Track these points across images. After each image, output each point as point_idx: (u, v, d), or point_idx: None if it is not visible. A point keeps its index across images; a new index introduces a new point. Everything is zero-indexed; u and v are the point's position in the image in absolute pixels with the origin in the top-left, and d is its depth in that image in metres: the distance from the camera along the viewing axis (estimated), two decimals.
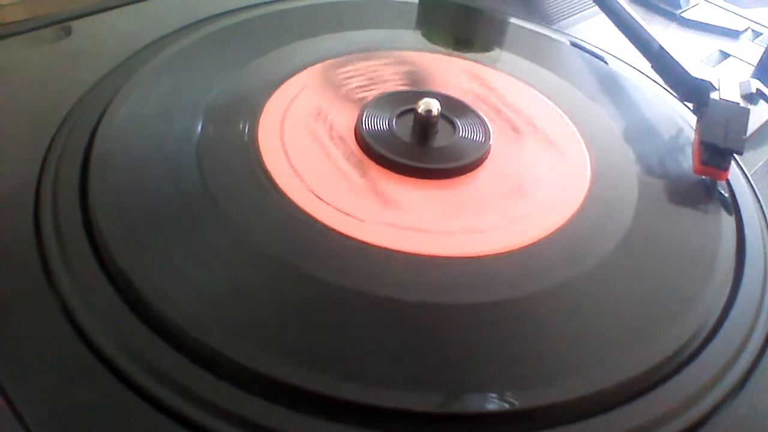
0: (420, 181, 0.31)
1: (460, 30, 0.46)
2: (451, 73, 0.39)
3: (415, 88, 0.36)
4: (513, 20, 0.46)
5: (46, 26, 0.38)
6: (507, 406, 0.22)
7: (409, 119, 0.33)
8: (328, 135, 0.33)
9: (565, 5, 0.52)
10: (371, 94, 0.35)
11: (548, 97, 0.38)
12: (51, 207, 0.27)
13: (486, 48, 0.44)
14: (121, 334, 0.23)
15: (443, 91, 0.36)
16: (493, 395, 0.23)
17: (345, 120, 0.34)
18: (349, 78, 0.37)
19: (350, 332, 0.24)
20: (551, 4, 0.51)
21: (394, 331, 0.25)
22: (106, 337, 0.23)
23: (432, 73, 0.38)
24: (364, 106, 0.34)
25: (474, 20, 0.47)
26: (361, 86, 0.36)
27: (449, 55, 0.41)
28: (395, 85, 0.37)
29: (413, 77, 0.38)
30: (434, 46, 0.42)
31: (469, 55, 0.41)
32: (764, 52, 0.45)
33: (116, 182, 0.28)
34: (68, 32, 0.38)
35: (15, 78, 0.34)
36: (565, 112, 0.37)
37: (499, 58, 0.42)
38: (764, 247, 0.31)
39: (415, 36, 0.43)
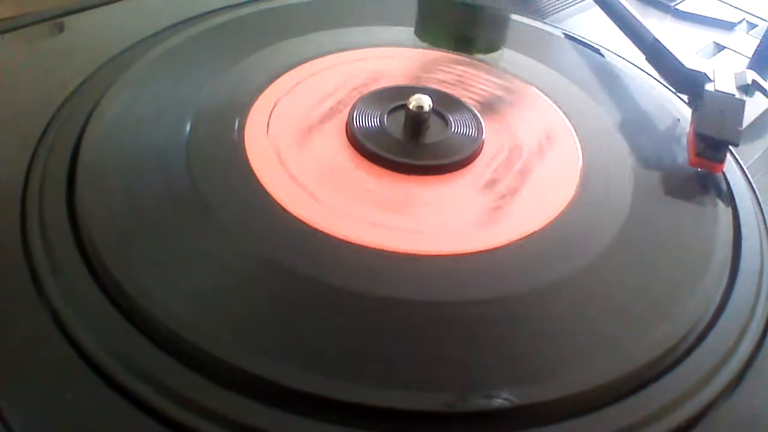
0: (411, 177, 0.31)
1: (457, 26, 0.45)
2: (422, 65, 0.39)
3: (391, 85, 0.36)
4: (506, 14, 0.46)
5: (37, 23, 0.38)
6: (503, 403, 0.22)
7: (401, 115, 0.33)
8: (318, 132, 0.32)
9: None
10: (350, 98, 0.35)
11: (542, 90, 0.38)
12: (38, 208, 0.27)
13: (480, 43, 0.43)
14: (109, 336, 0.23)
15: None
16: (490, 393, 0.22)
17: (334, 118, 0.33)
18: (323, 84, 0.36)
19: (341, 332, 0.24)
20: None
21: (386, 330, 0.24)
22: (93, 340, 0.22)
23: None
24: (355, 103, 0.33)
25: (469, 15, 0.47)
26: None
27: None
28: (371, 86, 0.36)
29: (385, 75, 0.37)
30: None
31: (465, 51, 0.41)
32: (759, 44, 0.44)
33: (104, 183, 0.28)
34: (61, 29, 0.38)
35: (2, 76, 0.34)
36: (558, 105, 0.37)
37: (493, 53, 0.42)
38: (761, 240, 0.31)
39: (400, 31, 0.43)
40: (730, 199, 0.32)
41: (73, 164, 0.29)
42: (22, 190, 0.27)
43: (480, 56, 0.41)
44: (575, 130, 0.35)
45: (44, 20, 0.38)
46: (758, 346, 0.26)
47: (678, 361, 0.25)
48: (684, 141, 0.35)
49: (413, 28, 0.43)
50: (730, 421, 0.24)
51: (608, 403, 0.23)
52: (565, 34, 0.45)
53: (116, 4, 0.41)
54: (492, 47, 0.43)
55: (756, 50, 0.45)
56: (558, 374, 0.23)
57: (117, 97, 0.32)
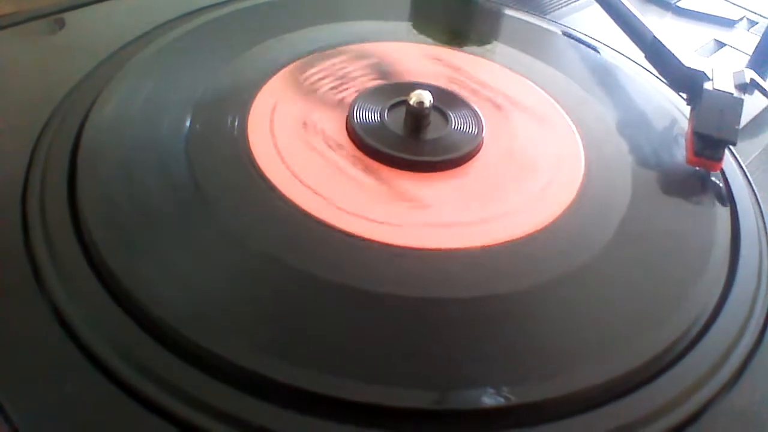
0: (412, 173, 0.31)
1: (452, 21, 0.45)
2: (414, 59, 0.39)
3: (387, 81, 0.36)
4: (505, 11, 0.46)
5: (37, 19, 0.38)
6: (502, 401, 0.22)
7: (401, 111, 0.33)
8: (319, 128, 0.32)
9: None
10: (348, 94, 0.35)
11: (541, 88, 0.38)
12: (39, 203, 0.27)
13: (478, 39, 0.43)
14: (110, 331, 0.23)
15: (414, 79, 0.36)
16: (488, 391, 0.23)
17: (335, 114, 0.33)
18: (319, 80, 0.36)
19: (343, 329, 0.24)
20: None
21: (383, 326, 0.24)
22: (94, 335, 0.23)
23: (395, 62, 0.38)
24: (355, 99, 0.33)
25: (466, 11, 0.47)
26: (333, 87, 0.36)
27: (408, 42, 0.40)
28: (368, 80, 0.36)
29: (380, 69, 0.37)
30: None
31: (463, 47, 0.41)
32: (759, 42, 0.44)
33: (105, 178, 0.28)
34: (62, 25, 0.38)
35: (2, 72, 0.34)
36: (558, 103, 0.37)
37: (492, 49, 0.42)
38: (759, 238, 0.31)
39: (402, 26, 0.43)
40: (729, 197, 0.32)
41: (73, 160, 0.29)
42: (23, 186, 0.27)
43: (475, 49, 0.41)
44: (575, 128, 0.35)
45: (44, 16, 0.38)
46: (758, 343, 0.26)
47: (678, 359, 0.25)
48: (682, 139, 0.35)
49: (413, 23, 0.43)
50: (730, 417, 0.24)
51: (608, 401, 0.23)
52: (564, 32, 0.45)
53: (117, 0, 0.41)
54: (485, 40, 0.43)
55: (756, 48, 0.44)
56: (557, 372, 0.23)
57: (117, 92, 0.32)
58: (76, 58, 0.35)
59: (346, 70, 0.37)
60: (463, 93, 0.36)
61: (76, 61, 0.35)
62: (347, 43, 0.39)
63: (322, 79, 0.36)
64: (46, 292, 0.24)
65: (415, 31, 0.42)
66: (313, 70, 0.36)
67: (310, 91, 0.35)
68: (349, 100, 0.34)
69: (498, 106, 0.36)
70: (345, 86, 0.35)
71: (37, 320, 0.23)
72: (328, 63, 0.37)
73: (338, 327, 0.24)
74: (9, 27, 0.37)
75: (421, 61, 0.38)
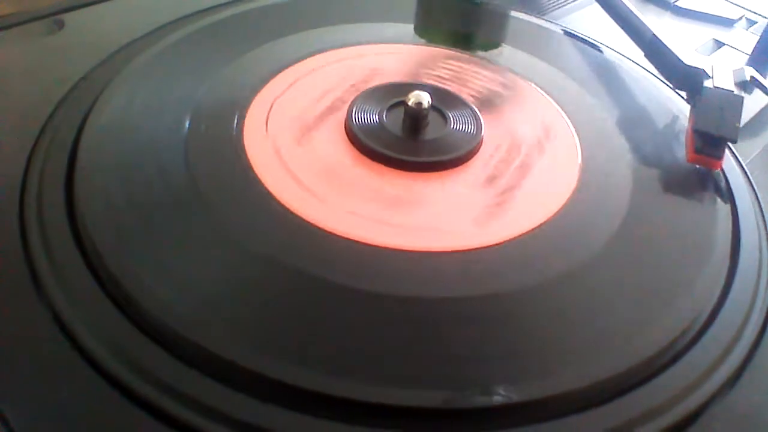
0: (410, 174, 0.31)
1: (454, 24, 0.45)
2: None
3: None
4: (503, 10, 0.46)
5: (36, 20, 0.38)
6: (501, 400, 0.22)
7: (400, 112, 0.33)
8: (317, 129, 0.32)
9: None
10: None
11: (540, 87, 0.38)
12: (36, 206, 0.27)
13: (480, 40, 0.43)
14: (109, 334, 0.23)
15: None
16: (487, 390, 0.22)
17: (333, 115, 0.33)
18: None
19: (343, 330, 0.24)
20: None
21: (383, 327, 0.24)
22: (93, 338, 0.22)
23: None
24: (354, 100, 0.33)
25: (467, 13, 0.47)
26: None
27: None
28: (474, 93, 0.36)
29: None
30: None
31: (465, 48, 0.41)
32: (758, 41, 0.44)
33: (102, 180, 0.28)
34: (61, 26, 0.38)
35: (1, 73, 0.34)
36: (557, 102, 0.37)
37: (494, 50, 0.42)
38: (759, 236, 0.31)
39: (400, 28, 0.43)
40: (729, 196, 0.32)
41: (71, 162, 0.29)
42: (20, 188, 0.27)
43: (480, 53, 0.41)
44: (574, 127, 0.35)
45: (43, 17, 0.38)
46: (757, 342, 0.26)
47: (677, 358, 0.25)
48: (683, 137, 0.35)
49: (412, 25, 0.43)
50: (730, 416, 0.24)
51: (607, 399, 0.23)
52: (564, 31, 0.45)
53: (116, 1, 0.41)
54: (491, 44, 0.43)
55: (755, 47, 0.44)
56: (557, 371, 0.23)
57: (115, 95, 0.32)
58: (75, 59, 0.35)
59: (351, 72, 0.37)
60: (464, 92, 0.36)
61: (74, 62, 0.35)
62: (344, 45, 0.39)
63: (326, 79, 0.36)
64: (45, 295, 0.24)
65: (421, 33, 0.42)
66: (317, 72, 0.36)
67: (309, 93, 0.35)
68: (350, 100, 0.34)
69: (497, 106, 0.36)
70: (348, 88, 0.35)
71: (36, 323, 0.23)
72: (334, 65, 0.37)
73: (337, 327, 0.24)
74: (8, 28, 0.37)
75: (426, 64, 0.38)
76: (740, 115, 0.32)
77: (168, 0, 0.41)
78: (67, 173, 0.28)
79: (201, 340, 0.22)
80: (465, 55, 0.40)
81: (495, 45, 0.42)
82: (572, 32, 0.45)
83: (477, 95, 0.36)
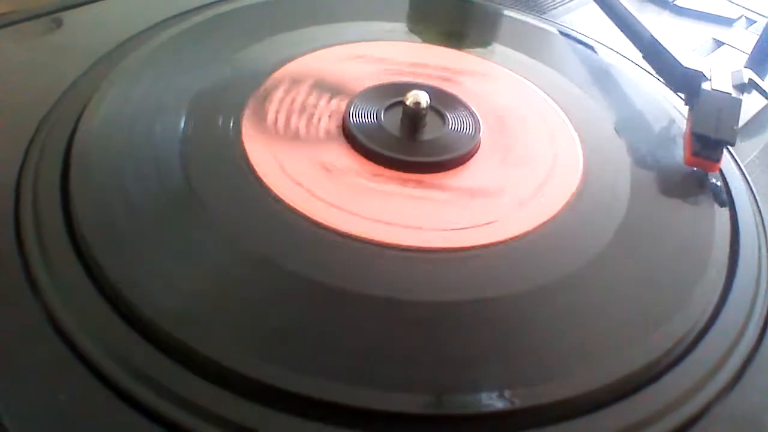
0: (408, 174, 0.31)
1: (450, 21, 0.45)
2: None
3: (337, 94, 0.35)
4: (502, 11, 0.46)
5: (34, 18, 0.38)
6: (502, 405, 0.22)
7: (398, 112, 0.33)
8: (314, 127, 0.32)
9: None
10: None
11: (539, 88, 0.38)
12: (31, 205, 0.27)
13: (476, 39, 0.43)
14: (104, 336, 0.23)
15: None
16: (488, 395, 0.22)
17: (331, 114, 0.33)
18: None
19: (340, 333, 0.24)
20: None
21: (381, 329, 0.24)
22: (89, 340, 0.22)
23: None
24: (352, 100, 0.33)
25: (462, 11, 0.46)
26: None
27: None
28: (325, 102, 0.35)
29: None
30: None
31: (457, 45, 0.41)
32: (758, 40, 0.44)
33: (98, 180, 0.28)
34: (59, 24, 0.38)
35: None
36: (555, 103, 0.37)
37: (491, 49, 0.41)
38: (758, 239, 0.31)
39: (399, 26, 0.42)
40: (727, 198, 0.32)
41: (66, 161, 0.28)
42: (15, 188, 0.27)
43: (473, 50, 0.41)
44: (573, 128, 0.35)
45: (41, 15, 0.38)
46: (757, 344, 0.26)
47: (677, 361, 0.25)
48: (681, 140, 0.35)
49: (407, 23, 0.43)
50: (731, 418, 0.24)
51: (607, 403, 0.23)
52: (561, 31, 0.45)
53: None
54: (483, 42, 0.42)
55: (755, 47, 0.44)
56: (557, 375, 0.23)
57: (109, 94, 0.32)
58: (73, 57, 0.35)
59: (350, 70, 0.36)
60: (460, 92, 0.36)
61: (72, 61, 0.34)
62: (345, 42, 0.39)
63: (324, 77, 0.35)
64: (40, 297, 0.24)
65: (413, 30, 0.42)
66: (315, 70, 0.36)
67: (307, 92, 0.35)
68: (348, 99, 0.34)
69: (495, 106, 0.36)
70: (347, 86, 0.35)
71: (31, 325, 0.23)
72: (332, 62, 0.37)
73: (334, 330, 0.24)
74: (6, 26, 0.37)
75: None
76: (738, 118, 0.32)
77: None
78: (62, 173, 0.28)
79: (197, 342, 0.22)
80: (465, 55, 0.40)
81: (487, 43, 0.42)
82: (570, 32, 0.45)
83: (472, 95, 0.36)
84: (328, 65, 0.37)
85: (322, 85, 0.35)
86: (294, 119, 0.33)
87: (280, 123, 0.32)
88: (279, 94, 0.34)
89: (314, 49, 0.38)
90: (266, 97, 0.34)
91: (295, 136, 0.32)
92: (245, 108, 0.33)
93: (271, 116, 0.33)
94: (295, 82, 0.35)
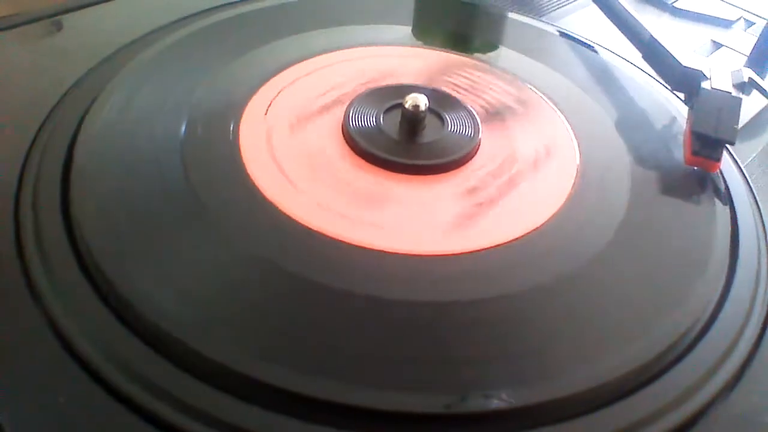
0: (408, 177, 0.31)
1: (452, 26, 0.45)
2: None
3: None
4: (501, 13, 0.46)
5: (34, 21, 0.38)
6: (500, 405, 0.22)
7: (397, 115, 0.33)
8: (314, 133, 0.32)
9: None
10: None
11: (538, 89, 0.38)
12: (31, 209, 0.27)
13: (477, 42, 0.43)
14: (103, 339, 0.23)
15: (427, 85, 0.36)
16: (487, 395, 0.22)
17: (329, 118, 0.33)
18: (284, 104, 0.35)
19: (338, 334, 0.24)
20: None
21: (381, 331, 0.24)
22: (88, 343, 0.22)
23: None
24: (350, 103, 0.33)
25: (465, 15, 0.46)
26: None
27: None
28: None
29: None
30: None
31: (462, 50, 0.41)
32: (757, 42, 0.44)
33: (99, 185, 0.28)
34: (59, 27, 0.38)
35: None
36: (554, 104, 0.37)
37: (492, 52, 0.41)
38: (758, 239, 0.31)
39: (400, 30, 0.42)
40: (727, 198, 0.32)
41: (67, 165, 0.28)
42: (15, 191, 0.27)
43: (473, 53, 0.41)
44: (572, 129, 0.35)
45: (42, 19, 0.38)
46: (757, 344, 0.26)
47: (676, 361, 0.25)
48: (681, 139, 0.35)
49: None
50: (730, 418, 0.24)
51: (607, 403, 0.23)
52: (561, 32, 0.45)
53: (115, 2, 0.41)
54: (489, 46, 0.43)
55: (753, 48, 0.44)
56: (554, 376, 0.23)
57: (111, 97, 0.32)
58: (73, 60, 0.35)
59: (346, 75, 0.36)
60: (458, 95, 0.36)
61: (73, 64, 0.35)
62: (343, 47, 0.39)
63: (322, 82, 0.35)
64: (40, 301, 0.24)
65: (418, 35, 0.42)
66: (312, 75, 0.36)
67: (305, 97, 0.35)
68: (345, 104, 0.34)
69: (494, 108, 0.36)
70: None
71: (31, 329, 0.23)
72: (331, 67, 0.37)
73: (335, 332, 0.24)
74: (7, 29, 0.37)
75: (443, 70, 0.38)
76: (738, 117, 0.32)
77: (167, 1, 0.41)
78: (62, 177, 0.28)
79: (198, 345, 0.22)
80: (487, 66, 0.40)
81: (493, 47, 0.42)
82: (569, 34, 0.45)
83: (486, 105, 0.36)
84: (328, 70, 0.37)
85: (321, 89, 0.35)
86: (293, 124, 0.33)
87: (280, 127, 0.32)
88: (278, 98, 0.34)
89: (316, 54, 0.38)
90: (266, 101, 0.34)
91: (295, 140, 0.32)
92: (245, 112, 0.33)
93: (270, 120, 0.33)
94: (296, 86, 0.35)
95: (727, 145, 0.33)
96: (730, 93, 0.33)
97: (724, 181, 0.33)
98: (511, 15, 0.46)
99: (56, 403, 0.21)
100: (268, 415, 0.21)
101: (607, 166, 0.33)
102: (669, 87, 0.39)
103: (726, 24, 0.51)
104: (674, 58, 0.36)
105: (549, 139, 0.34)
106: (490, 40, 0.43)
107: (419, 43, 0.41)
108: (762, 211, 0.32)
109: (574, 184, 0.31)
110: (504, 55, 0.41)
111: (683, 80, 0.36)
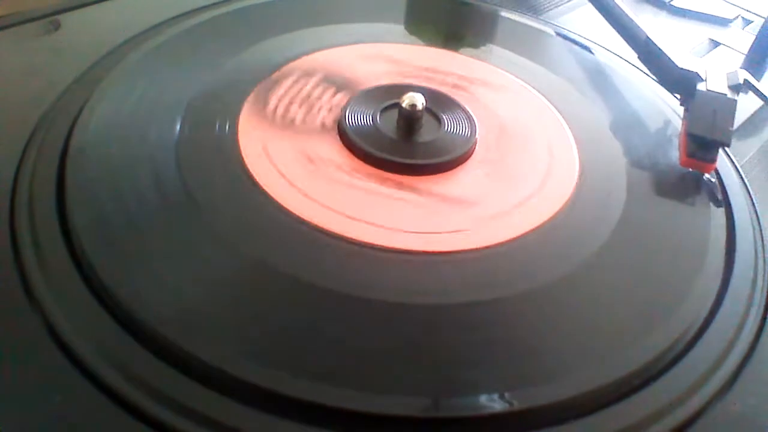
0: (404, 177, 0.31)
1: (446, 23, 0.45)
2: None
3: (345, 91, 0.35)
4: (498, 11, 0.46)
5: (32, 21, 0.38)
6: (497, 408, 0.22)
7: (394, 114, 0.33)
8: (311, 131, 0.32)
9: None
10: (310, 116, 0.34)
11: (535, 89, 0.38)
12: (27, 209, 0.26)
13: (472, 40, 0.43)
14: (100, 341, 0.22)
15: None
16: (485, 397, 0.22)
17: (327, 115, 0.33)
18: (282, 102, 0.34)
19: (338, 336, 0.24)
20: None
21: (378, 332, 0.24)
22: (84, 344, 0.22)
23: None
24: (347, 103, 0.33)
25: (460, 13, 0.46)
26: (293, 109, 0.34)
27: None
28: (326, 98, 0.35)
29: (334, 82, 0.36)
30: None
31: (454, 46, 0.41)
32: (754, 41, 0.44)
33: (94, 185, 0.28)
34: (57, 26, 0.38)
35: None
36: (551, 104, 0.37)
37: (487, 50, 0.41)
38: (755, 239, 0.31)
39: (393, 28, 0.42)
40: (724, 199, 0.32)
41: (62, 165, 0.28)
42: (11, 193, 0.27)
43: (470, 52, 0.41)
44: (569, 130, 0.35)
45: (40, 18, 0.38)
46: (753, 345, 0.26)
47: (672, 363, 0.25)
48: (676, 140, 0.35)
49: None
50: (726, 421, 0.24)
51: (603, 406, 0.23)
52: (557, 32, 0.45)
53: (113, 1, 0.41)
54: (479, 43, 0.42)
55: (751, 47, 0.44)
56: (551, 378, 0.23)
57: (105, 97, 0.32)
58: (70, 60, 0.35)
59: (305, 90, 0.36)
60: (451, 91, 0.36)
61: (71, 63, 0.34)
62: (339, 45, 0.39)
63: (290, 104, 0.34)
64: (36, 301, 0.24)
65: (407, 33, 0.42)
66: (311, 73, 0.36)
67: (304, 93, 0.35)
68: (344, 102, 0.34)
69: (491, 108, 0.36)
70: (314, 107, 0.34)
71: (27, 330, 0.23)
72: (330, 64, 0.37)
73: (332, 334, 0.24)
74: (4, 29, 0.37)
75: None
76: (733, 119, 0.32)
77: (163, 0, 0.41)
78: (58, 177, 0.28)
79: (194, 347, 0.22)
80: (469, 60, 0.40)
81: (483, 44, 0.42)
82: (566, 33, 0.45)
83: (472, 100, 0.36)
84: (326, 67, 0.37)
85: (325, 82, 0.35)
86: (290, 122, 0.33)
87: (277, 126, 0.32)
88: (276, 95, 0.34)
89: (310, 52, 0.38)
90: (263, 99, 0.34)
91: (292, 138, 0.32)
92: (242, 110, 0.33)
93: (267, 119, 0.32)
94: (294, 83, 0.35)
95: (723, 147, 0.33)
96: (726, 94, 0.33)
97: (721, 182, 0.33)
98: (509, 14, 0.46)
99: (53, 403, 0.21)
100: (267, 418, 0.21)
101: (603, 167, 0.33)
102: (665, 88, 0.38)
103: (723, 22, 0.51)
104: (670, 59, 0.36)
105: (545, 139, 0.34)
106: (485, 40, 0.43)
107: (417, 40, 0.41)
108: (758, 211, 0.32)
109: (570, 185, 0.31)
110: (500, 54, 0.41)
111: (679, 82, 0.36)
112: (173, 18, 0.39)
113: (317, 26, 0.40)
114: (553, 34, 0.44)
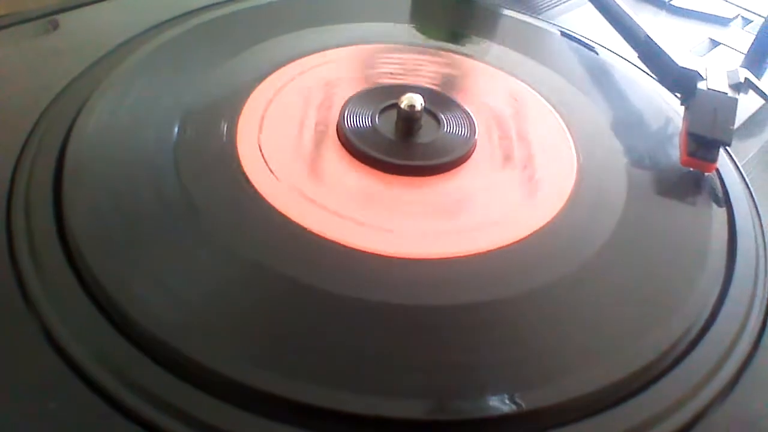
0: (403, 178, 0.30)
1: (450, 22, 0.45)
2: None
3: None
4: (499, 10, 0.46)
5: (31, 20, 0.38)
6: (497, 410, 0.22)
7: (392, 115, 0.32)
8: (310, 133, 0.32)
9: None
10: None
11: (534, 88, 0.38)
12: (24, 213, 0.26)
13: (473, 39, 0.43)
14: (96, 345, 0.22)
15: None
16: (484, 399, 0.22)
17: (326, 117, 0.33)
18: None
19: (333, 338, 0.24)
20: None
21: (379, 335, 0.24)
22: (81, 349, 0.22)
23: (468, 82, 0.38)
24: (346, 103, 0.33)
25: (463, 12, 0.46)
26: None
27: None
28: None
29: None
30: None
31: (459, 46, 0.41)
32: (754, 40, 0.44)
33: (91, 188, 0.28)
34: (56, 26, 0.38)
35: None
36: (550, 103, 0.37)
37: (484, 49, 0.41)
38: (756, 239, 0.30)
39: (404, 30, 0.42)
40: (725, 198, 0.32)
41: (59, 167, 0.28)
42: (7, 195, 0.27)
43: (470, 50, 0.41)
44: (568, 129, 0.35)
45: (38, 18, 0.38)
46: (755, 346, 0.26)
47: (674, 365, 0.25)
48: (677, 139, 0.34)
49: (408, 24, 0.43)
50: (728, 423, 0.24)
51: (604, 408, 0.23)
52: (559, 31, 0.45)
53: (111, 1, 0.41)
54: (480, 41, 0.42)
55: (751, 46, 0.44)
56: (552, 380, 0.23)
57: (103, 99, 0.32)
58: (69, 60, 0.35)
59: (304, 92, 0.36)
60: (453, 95, 0.36)
61: (68, 64, 0.34)
62: (338, 46, 0.39)
63: (288, 107, 0.34)
64: (33, 306, 0.23)
65: (415, 32, 0.42)
66: (308, 74, 0.36)
67: (302, 95, 0.34)
68: (342, 104, 0.34)
69: (490, 108, 0.36)
70: (313, 108, 0.34)
71: (24, 335, 0.23)
72: (326, 66, 0.37)
73: (333, 337, 0.24)
74: (2, 29, 0.37)
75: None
76: (734, 118, 0.32)
77: (162, 0, 0.41)
78: (55, 180, 0.28)
79: (192, 351, 0.22)
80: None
81: (484, 43, 0.42)
82: (566, 32, 0.44)
83: (467, 97, 0.36)
84: (322, 68, 0.37)
85: (324, 84, 0.35)
86: (289, 124, 0.33)
87: (276, 127, 0.32)
88: (275, 98, 0.34)
89: (309, 53, 0.37)
90: (262, 101, 0.33)
91: (290, 141, 0.32)
92: (241, 112, 0.32)
93: (266, 120, 0.32)
94: (290, 85, 0.35)
95: (723, 146, 0.33)
96: (726, 93, 0.33)
97: (722, 181, 0.33)
98: (510, 13, 0.46)
99: (47, 409, 0.21)
100: (266, 422, 0.21)
101: (603, 167, 0.33)
102: (665, 87, 0.38)
103: (723, 22, 0.51)
104: (670, 58, 0.36)
105: (545, 139, 0.34)
106: (486, 38, 0.43)
107: (415, 40, 0.41)
108: (759, 210, 0.32)
109: (570, 186, 0.31)
110: (502, 53, 0.41)
111: (679, 80, 0.36)
112: (171, 19, 0.39)
113: (317, 26, 0.40)
114: (553, 32, 0.44)
